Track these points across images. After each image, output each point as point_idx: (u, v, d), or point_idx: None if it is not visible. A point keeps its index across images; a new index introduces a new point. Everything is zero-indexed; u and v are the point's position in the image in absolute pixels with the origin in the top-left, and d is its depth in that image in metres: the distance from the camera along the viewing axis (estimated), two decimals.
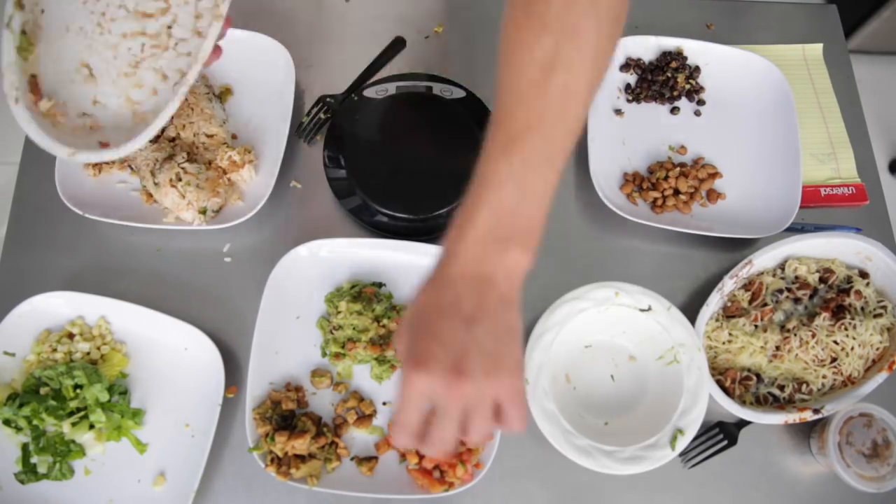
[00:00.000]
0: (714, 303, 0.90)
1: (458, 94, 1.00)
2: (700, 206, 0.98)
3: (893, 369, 0.86)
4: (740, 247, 0.97)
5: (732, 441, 0.87)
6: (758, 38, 1.12)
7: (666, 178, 0.98)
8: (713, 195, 0.98)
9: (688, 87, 1.04)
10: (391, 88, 1.00)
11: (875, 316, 0.89)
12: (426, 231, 0.94)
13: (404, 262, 0.92)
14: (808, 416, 0.84)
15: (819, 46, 1.11)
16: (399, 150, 0.96)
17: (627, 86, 1.05)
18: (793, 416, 0.84)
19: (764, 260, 0.92)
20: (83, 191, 0.93)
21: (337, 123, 0.99)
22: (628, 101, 1.05)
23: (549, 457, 0.86)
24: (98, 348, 0.87)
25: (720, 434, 0.87)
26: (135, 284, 0.92)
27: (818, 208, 1.01)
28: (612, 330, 0.89)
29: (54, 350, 0.86)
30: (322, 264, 0.91)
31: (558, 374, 0.88)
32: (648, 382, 0.88)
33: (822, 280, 0.92)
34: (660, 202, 0.97)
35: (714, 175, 0.99)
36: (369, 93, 1.00)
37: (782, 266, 0.93)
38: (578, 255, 0.97)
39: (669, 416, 0.83)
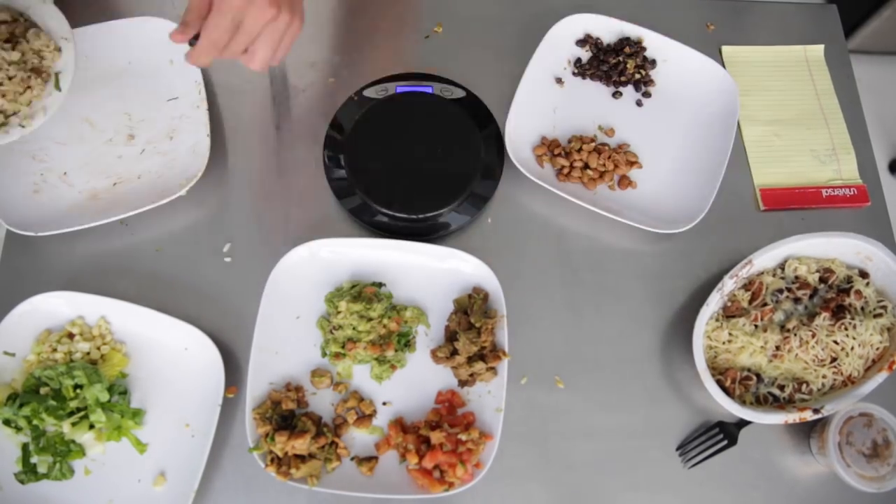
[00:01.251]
0: (714, 303, 0.89)
1: (458, 93, 1.00)
2: (608, 188, 0.99)
3: (893, 369, 0.86)
4: (733, 246, 0.97)
5: (732, 441, 0.87)
6: (758, 38, 1.12)
7: (580, 150, 0.98)
8: (624, 181, 0.99)
9: (637, 76, 1.05)
10: (391, 88, 1.00)
11: (875, 316, 0.89)
12: (426, 231, 0.94)
13: (404, 262, 0.92)
14: (808, 415, 0.84)
15: (820, 48, 1.11)
16: (399, 150, 0.96)
17: (578, 60, 1.05)
18: (793, 416, 0.84)
19: (764, 260, 0.92)
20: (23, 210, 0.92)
21: (337, 123, 0.99)
22: (574, 73, 1.05)
23: (550, 457, 0.86)
24: (98, 348, 0.87)
25: (720, 434, 0.87)
26: (135, 284, 0.92)
27: (820, 209, 1.01)
28: None
29: (54, 350, 0.86)
30: (322, 264, 0.91)
31: None
32: None
33: (822, 280, 0.92)
34: (566, 171, 0.98)
35: (633, 163, 1.00)
36: (369, 93, 1.00)
37: (782, 266, 0.93)
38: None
39: None
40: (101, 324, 0.88)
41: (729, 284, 0.90)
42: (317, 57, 1.06)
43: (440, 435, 0.81)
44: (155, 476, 0.83)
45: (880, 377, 0.86)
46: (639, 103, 1.05)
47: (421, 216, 0.93)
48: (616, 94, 1.05)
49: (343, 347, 0.87)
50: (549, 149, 0.99)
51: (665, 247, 0.98)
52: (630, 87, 1.06)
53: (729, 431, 0.87)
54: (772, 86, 1.09)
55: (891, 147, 2.12)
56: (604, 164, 0.98)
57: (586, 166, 0.98)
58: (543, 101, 1.03)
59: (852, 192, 1.02)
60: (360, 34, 1.08)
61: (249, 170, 0.99)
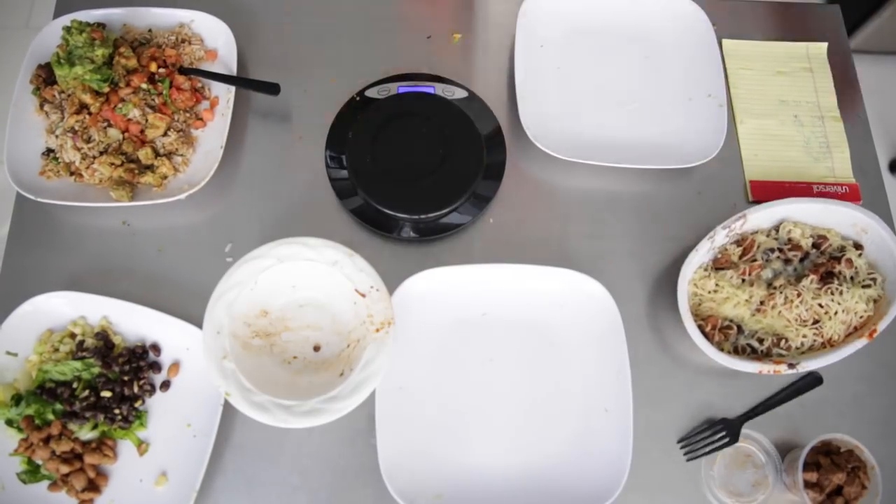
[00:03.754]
0: (704, 250, 0.89)
1: (460, 94, 1.00)
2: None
3: (874, 337, 0.85)
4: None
5: (734, 438, 0.86)
6: (759, 38, 1.11)
7: None
8: None
9: None
10: (393, 88, 1.00)
11: (864, 286, 0.88)
12: (428, 231, 0.94)
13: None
14: (783, 369, 0.83)
15: (823, 45, 1.11)
16: (401, 151, 0.96)
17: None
18: (768, 367, 0.83)
19: (759, 217, 0.91)
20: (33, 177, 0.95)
21: (339, 124, 0.99)
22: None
23: None
24: None
25: (723, 430, 0.87)
26: (136, 284, 0.92)
27: None
28: (301, 284, 0.87)
29: (56, 350, 0.86)
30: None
31: (241, 333, 0.85)
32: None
33: (815, 245, 0.91)
34: None
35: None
36: (371, 93, 1.00)
37: (777, 228, 0.93)
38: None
39: (353, 367, 0.81)
40: (103, 324, 0.88)
41: (721, 235, 0.90)
42: (318, 57, 1.07)
43: None
44: (157, 476, 0.83)
45: (860, 343, 0.85)
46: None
47: (423, 216, 0.93)
48: None
49: None
50: None
51: (665, 239, 0.98)
52: None
53: (731, 428, 0.87)
54: (771, 81, 1.08)
55: (891, 147, 2.12)
56: None
57: None
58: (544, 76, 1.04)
59: (844, 191, 1.01)
60: (361, 34, 1.08)
61: (251, 170, 0.99)
